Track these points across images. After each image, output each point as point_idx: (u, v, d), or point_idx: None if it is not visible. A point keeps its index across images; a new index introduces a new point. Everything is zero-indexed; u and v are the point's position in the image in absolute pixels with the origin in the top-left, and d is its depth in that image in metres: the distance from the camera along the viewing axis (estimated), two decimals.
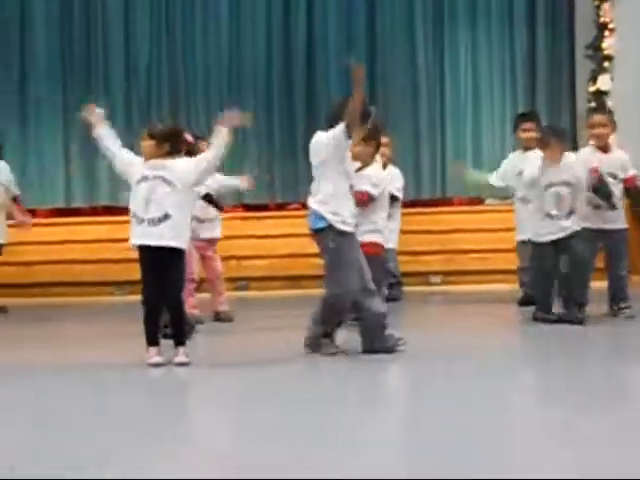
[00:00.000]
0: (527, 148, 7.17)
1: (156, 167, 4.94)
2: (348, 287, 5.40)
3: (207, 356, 5.45)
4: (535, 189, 6.19)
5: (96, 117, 5.06)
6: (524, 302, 7.15)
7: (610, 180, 5.87)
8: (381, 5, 10.03)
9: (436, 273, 8.53)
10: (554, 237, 5.99)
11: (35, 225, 7.84)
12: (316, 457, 3.10)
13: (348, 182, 5.38)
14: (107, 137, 5.07)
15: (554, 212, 5.96)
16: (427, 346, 5.49)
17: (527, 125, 7.39)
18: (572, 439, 3.33)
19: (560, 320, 5.99)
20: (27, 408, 4.29)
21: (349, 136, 5.15)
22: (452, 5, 10.08)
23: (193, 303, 6.27)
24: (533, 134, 7.16)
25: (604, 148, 5.96)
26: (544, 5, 10.01)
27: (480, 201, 9.67)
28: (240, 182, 6.65)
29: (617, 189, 6.00)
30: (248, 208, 9.00)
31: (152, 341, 5.01)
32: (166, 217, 4.94)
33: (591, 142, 6.11)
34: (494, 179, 7.25)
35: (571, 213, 5.98)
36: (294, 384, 4.63)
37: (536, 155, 6.38)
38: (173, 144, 5.01)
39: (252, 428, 3.71)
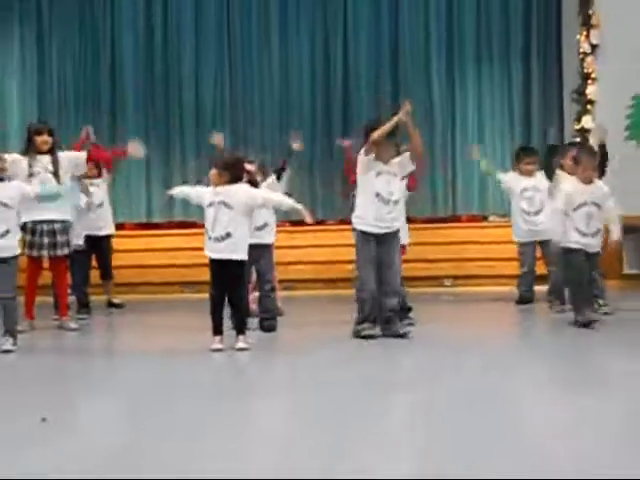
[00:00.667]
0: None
1: (219, 193, 5.07)
2: (363, 284, 5.49)
3: (263, 343, 5.51)
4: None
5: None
6: (520, 301, 7.24)
7: (593, 209, 5.69)
8: (403, 51, 10.04)
9: (448, 277, 8.58)
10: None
11: (123, 236, 7.99)
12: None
13: (374, 191, 5.40)
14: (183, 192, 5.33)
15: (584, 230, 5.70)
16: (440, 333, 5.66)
17: (530, 159, 7.31)
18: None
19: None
20: (121, 379, 4.50)
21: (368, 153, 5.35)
22: (461, 54, 10.06)
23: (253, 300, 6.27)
24: (534, 167, 7.24)
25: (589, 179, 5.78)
26: (537, 57, 9.99)
27: (484, 218, 9.72)
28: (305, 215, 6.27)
29: (599, 218, 5.75)
30: (293, 223, 9.06)
31: (216, 331, 5.14)
32: (228, 235, 5.07)
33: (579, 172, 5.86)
34: (501, 177, 7.39)
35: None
36: (331, 368, 4.65)
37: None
38: (233, 172, 5.11)
39: (299, 410, 3.80)
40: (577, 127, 9.12)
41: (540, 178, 7.08)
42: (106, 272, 7.67)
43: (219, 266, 5.13)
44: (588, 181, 5.74)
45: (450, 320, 6.54)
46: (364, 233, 5.46)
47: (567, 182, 6.04)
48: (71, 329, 6.22)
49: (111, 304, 7.72)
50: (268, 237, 5.96)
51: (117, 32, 10.14)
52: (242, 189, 5.13)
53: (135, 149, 6.76)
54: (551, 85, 10.03)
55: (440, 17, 10.05)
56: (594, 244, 5.76)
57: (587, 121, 8.99)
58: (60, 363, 5.15)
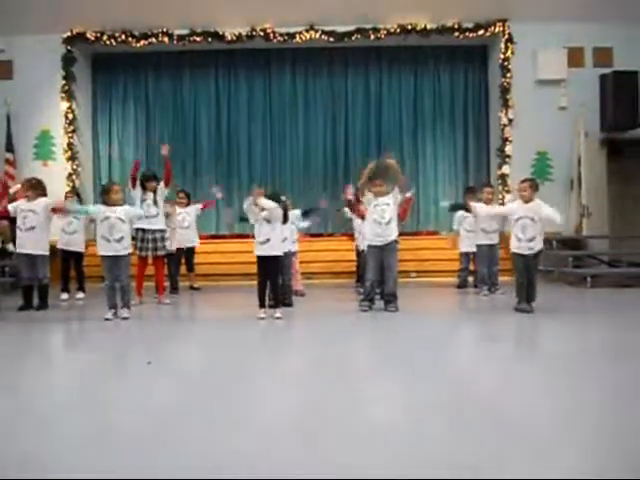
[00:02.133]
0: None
1: (263, 212, 5.15)
2: (368, 275, 5.55)
3: (290, 314, 5.51)
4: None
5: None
6: (460, 286, 7.25)
7: (529, 222, 5.20)
8: (385, 128, 10.05)
9: (413, 271, 8.56)
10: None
11: (201, 243, 8.02)
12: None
13: (372, 218, 5.53)
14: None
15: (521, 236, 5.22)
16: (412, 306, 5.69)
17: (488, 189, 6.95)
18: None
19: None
20: (198, 336, 4.56)
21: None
22: (423, 127, 10.06)
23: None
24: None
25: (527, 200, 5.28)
26: (472, 127, 10.02)
27: (437, 232, 9.71)
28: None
29: (536, 227, 5.21)
30: (312, 235, 9.08)
31: (261, 304, 5.21)
32: (268, 240, 5.13)
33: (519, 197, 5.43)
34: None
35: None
36: (343, 330, 4.73)
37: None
38: (274, 199, 5.21)
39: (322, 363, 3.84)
40: (499, 173, 9.19)
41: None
42: (190, 267, 7.78)
43: (263, 261, 5.19)
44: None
45: (414, 298, 6.55)
46: (369, 246, 5.59)
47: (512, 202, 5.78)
48: (166, 304, 6.29)
49: (192, 288, 7.78)
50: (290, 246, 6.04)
51: (197, 111, 10.17)
52: (277, 208, 5.18)
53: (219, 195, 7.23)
54: (481, 145, 10.04)
55: (409, 105, 10.09)
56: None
57: (505, 169, 9.09)
58: (159, 326, 5.22)
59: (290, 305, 5.87)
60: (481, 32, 9.17)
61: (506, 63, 9.11)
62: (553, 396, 2.67)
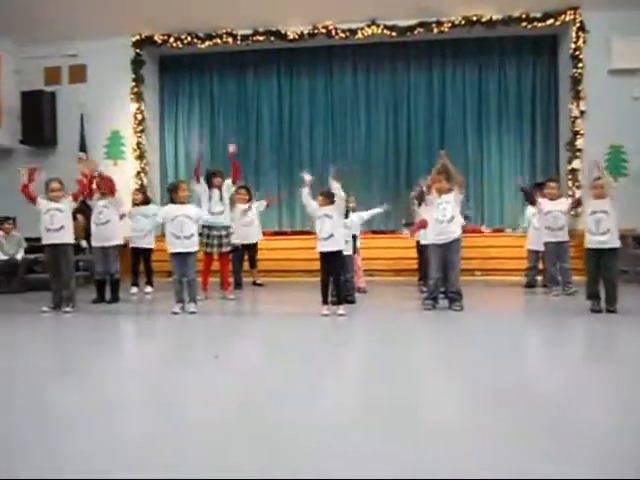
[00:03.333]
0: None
1: (317, 209, 5.19)
2: (432, 274, 5.47)
3: (353, 310, 5.47)
4: None
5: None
6: (528, 285, 7.03)
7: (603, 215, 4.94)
8: (449, 117, 9.86)
9: (478, 269, 8.37)
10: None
11: (266, 239, 8.12)
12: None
13: (429, 215, 5.50)
14: (309, 201, 5.25)
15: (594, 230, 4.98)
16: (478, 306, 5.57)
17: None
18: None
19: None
20: (261, 330, 4.62)
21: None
22: (487, 118, 9.82)
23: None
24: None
25: (600, 196, 5.01)
26: (540, 121, 9.71)
27: (502, 230, 9.47)
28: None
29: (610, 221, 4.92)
30: (374, 232, 9.02)
31: (324, 301, 5.21)
32: (331, 236, 5.13)
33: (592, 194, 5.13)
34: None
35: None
36: (405, 329, 4.69)
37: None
38: (330, 198, 5.19)
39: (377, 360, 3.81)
40: (569, 168, 8.84)
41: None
42: (253, 263, 7.88)
43: (325, 257, 5.19)
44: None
45: (480, 296, 6.40)
46: (432, 244, 5.51)
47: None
48: (230, 299, 6.38)
49: (255, 284, 7.88)
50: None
51: (260, 109, 10.31)
52: (339, 207, 5.17)
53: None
54: (550, 139, 9.68)
55: (473, 99, 9.85)
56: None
57: (576, 164, 8.72)
58: (224, 320, 5.32)
59: (353, 302, 5.85)
60: (550, 21, 8.86)
61: (577, 53, 8.75)
62: (628, 406, 2.53)
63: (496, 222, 9.67)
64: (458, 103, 9.87)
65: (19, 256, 7.83)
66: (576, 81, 8.76)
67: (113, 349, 4.05)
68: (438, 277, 5.44)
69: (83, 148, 9.58)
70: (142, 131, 9.76)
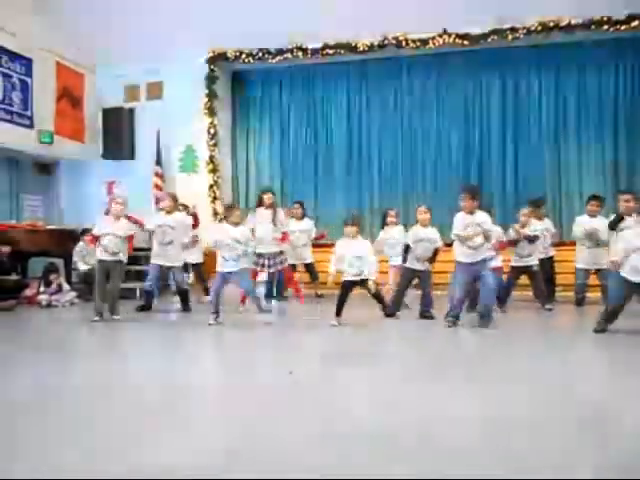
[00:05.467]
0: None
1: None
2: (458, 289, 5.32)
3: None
4: None
5: None
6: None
7: None
8: (524, 127, 9.61)
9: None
10: None
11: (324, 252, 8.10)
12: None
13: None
14: None
15: None
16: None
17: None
18: None
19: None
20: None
21: None
22: (565, 126, 9.49)
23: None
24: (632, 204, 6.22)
25: None
26: (626, 130, 9.27)
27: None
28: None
29: None
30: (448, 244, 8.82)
31: (337, 313, 5.43)
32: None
33: None
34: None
35: None
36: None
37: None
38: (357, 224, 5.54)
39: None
40: None
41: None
42: (314, 276, 8.05)
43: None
44: None
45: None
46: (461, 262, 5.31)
47: None
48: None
49: (317, 295, 7.98)
50: None
51: (329, 123, 10.41)
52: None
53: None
54: (634, 148, 9.19)
55: (549, 107, 9.57)
56: None
57: None
58: (284, 332, 5.40)
59: (431, 317, 5.78)
60: (635, 23, 8.46)
61: None
62: None
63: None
64: (534, 112, 9.58)
65: None
66: None
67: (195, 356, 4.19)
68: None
69: (159, 162, 10.02)
70: (215, 145, 10.09)
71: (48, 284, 7.37)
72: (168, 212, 6.42)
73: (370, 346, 4.59)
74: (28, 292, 7.49)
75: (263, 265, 6.55)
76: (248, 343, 4.79)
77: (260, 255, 6.46)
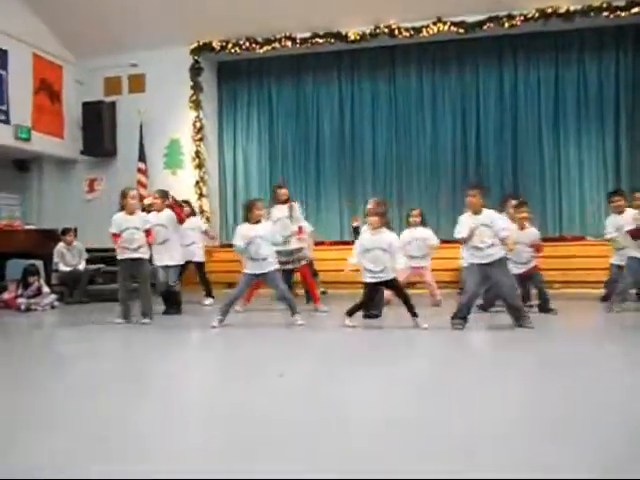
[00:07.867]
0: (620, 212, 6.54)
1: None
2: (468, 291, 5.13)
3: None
4: None
5: None
6: (604, 298, 6.65)
7: None
8: (522, 118, 9.44)
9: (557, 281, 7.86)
10: None
11: (324, 250, 7.98)
12: None
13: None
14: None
15: None
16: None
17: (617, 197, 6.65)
18: None
19: None
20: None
21: None
22: (565, 119, 9.32)
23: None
24: (622, 203, 6.48)
25: None
26: (626, 120, 9.14)
27: (583, 237, 8.98)
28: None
29: None
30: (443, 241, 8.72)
31: (349, 314, 5.29)
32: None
33: None
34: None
35: None
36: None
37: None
38: (383, 215, 5.29)
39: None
40: None
41: None
42: (314, 274, 7.79)
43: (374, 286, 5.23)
44: None
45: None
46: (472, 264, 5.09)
47: None
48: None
49: (323, 292, 7.84)
50: None
51: (320, 114, 10.19)
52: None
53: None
54: (636, 142, 9.06)
55: (548, 98, 9.38)
56: None
57: None
58: (301, 334, 5.22)
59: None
60: (635, 10, 8.35)
61: None
62: None
63: (575, 230, 9.18)
64: (532, 103, 9.43)
65: (81, 267, 8.02)
66: None
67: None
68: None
69: (142, 158, 9.76)
70: (201, 139, 9.87)
71: (27, 286, 7.14)
72: (158, 211, 6.26)
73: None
74: (6, 295, 7.28)
75: (282, 262, 6.34)
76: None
77: (279, 252, 6.25)
